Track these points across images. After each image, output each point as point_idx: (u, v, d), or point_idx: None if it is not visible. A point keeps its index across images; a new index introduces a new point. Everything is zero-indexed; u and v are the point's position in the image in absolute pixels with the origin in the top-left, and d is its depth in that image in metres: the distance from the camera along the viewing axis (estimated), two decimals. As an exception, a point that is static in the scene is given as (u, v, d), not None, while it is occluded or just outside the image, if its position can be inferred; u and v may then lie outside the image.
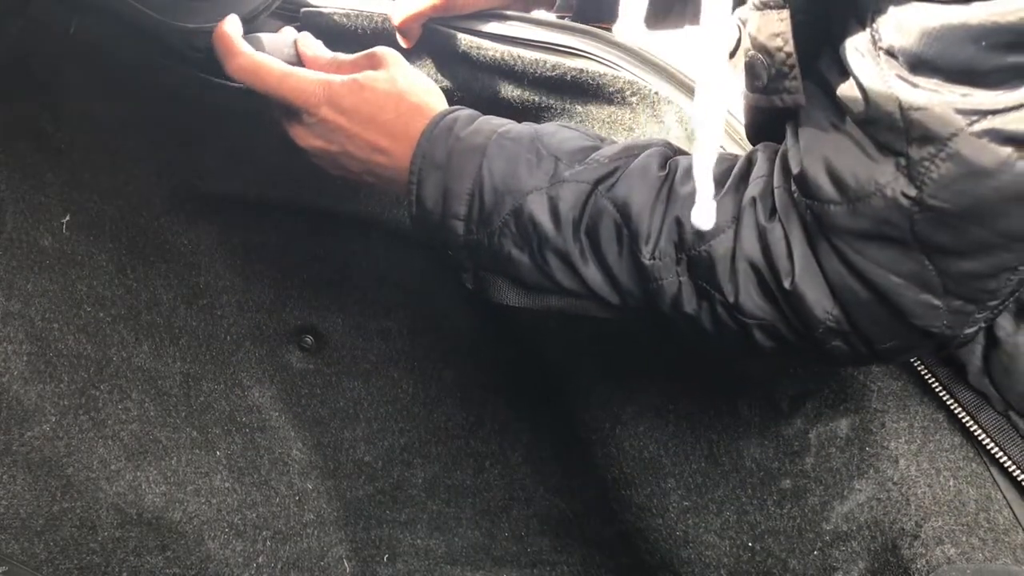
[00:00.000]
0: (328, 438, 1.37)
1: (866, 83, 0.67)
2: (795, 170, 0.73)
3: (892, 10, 0.64)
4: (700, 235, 0.76)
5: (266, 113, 1.18)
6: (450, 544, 1.38)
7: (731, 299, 0.76)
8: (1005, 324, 0.84)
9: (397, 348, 1.36)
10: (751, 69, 0.77)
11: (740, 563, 1.06)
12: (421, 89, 0.90)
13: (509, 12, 1.07)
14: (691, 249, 0.77)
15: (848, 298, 0.73)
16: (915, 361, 0.91)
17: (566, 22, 1.07)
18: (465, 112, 0.88)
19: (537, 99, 1.07)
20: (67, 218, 1.16)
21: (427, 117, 0.87)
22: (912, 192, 0.66)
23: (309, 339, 1.35)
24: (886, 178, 0.68)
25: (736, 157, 0.82)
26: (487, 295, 0.88)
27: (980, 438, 0.90)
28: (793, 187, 0.74)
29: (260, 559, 1.27)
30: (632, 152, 0.82)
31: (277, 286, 1.33)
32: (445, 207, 0.84)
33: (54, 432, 1.11)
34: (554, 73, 1.04)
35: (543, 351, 1.25)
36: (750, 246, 0.75)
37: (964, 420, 0.91)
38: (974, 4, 0.60)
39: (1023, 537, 0.92)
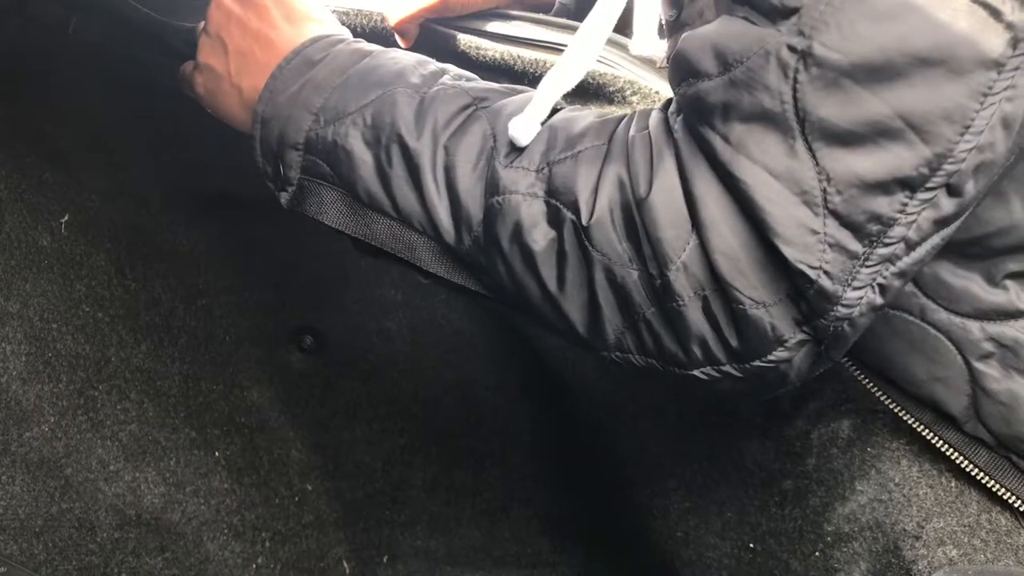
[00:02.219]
0: (327, 439, 1.37)
1: None
2: (673, 55, 0.65)
3: None
4: (570, 145, 0.67)
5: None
6: (450, 545, 1.38)
7: (585, 221, 0.64)
8: (993, 372, 0.76)
9: (397, 348, 1.36)
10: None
11: (741, 564, 1.06)
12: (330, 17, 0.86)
13: (509, 11, 1.07)
14: (555, 162, 0.67)
15: (709, 217, 0.60)
16: (897, 407, 0.86)
17: (565, 21, 1.07)
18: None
19: None
20: (66, 218, 1.16)
21: (324, 31, 0.82)
22: (798, 42, 0.57)
23: (309, 339, 1.35)
24: (771, 34, 0.58)
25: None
26: (304, 209, 0.78)
27: (977, 477, 0.86)
28: (671, 109, 0.66)
29: (259, 560, 1.27)
30: (526, 90, 0.75)
31: (277, 286, 1.33)
32: (300, 97, 0.76)
33: (53, 432, 1.11)
34: (544, 70, 1.04)
35: (544, 351, 1.25)
36: (617, 159, 0.65)
37: (957, 460, 0.86)
38: None
39: (1025, 538, 0.92)
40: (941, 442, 0.83)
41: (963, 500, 0.91)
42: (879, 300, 0.61)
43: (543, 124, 0.70)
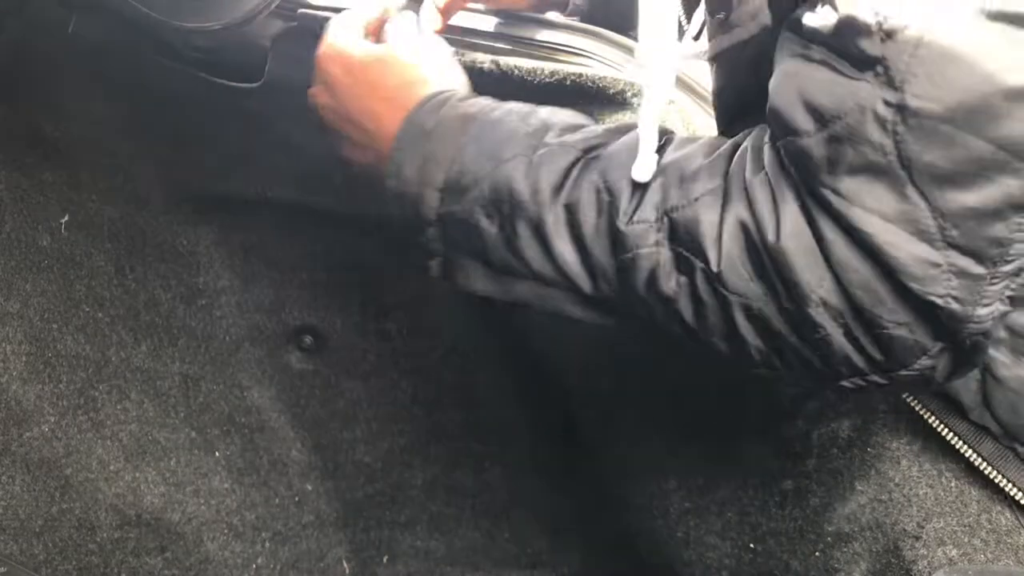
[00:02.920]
0: (327, 439, 1.37)
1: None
2: (768, 109, 0.67)
3: None
4: (684, 195, 0.68)
5: (266, 113, 1.18)
6: (450, 545, 1.38)
7: (715, 267, 0.66)
8: (1003, 358, 0.76)
9: (397, 348, 1.36)
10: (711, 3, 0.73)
11: (741, 564, 1.06)
12: (451, 78, 0.86)
13: (517, 13, 1.07)
14: (674, 209, 0.68)
15: (839, 258, 0.62)
16: (907, 396, 0.86)
17: (570, 22, 1.07)
18: (468, 92, 0.84)
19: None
20: (66, 218, 1.16)
21: (430, 90, 0.83)
22: (891, 97, 0.58)
23: (309, 339, 1.35)
24: (863, 89, 0.59)
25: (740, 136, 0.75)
26: (454, 281, 0.81)
27: (980, 467, 0.85)
28: (771, 138, 0.67)
29: (259, 560, 1.27)
30: (626, 128, 0.77)
31: (277, 286, 1.32)
32: (423, 175, 0.78)
33: (53, 433, 1.11)
34: (553, 79, 1.05)
35: (544, 351, 1.25)
36: (738, 201, 0.66)
37: (962, 449, 0.86)
38: None
39: (1025, 538, 0.92)
40: (947, 431, 0.83)
41: (963, 500, 0.91)
42: (1008, 308, 0.63)
43: (656, 164, 0.72)
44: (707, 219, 0.67)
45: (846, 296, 0.63)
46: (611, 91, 1.04)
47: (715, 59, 0.77)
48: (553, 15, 1.13)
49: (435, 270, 0.83)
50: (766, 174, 0.66)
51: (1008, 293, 0.63)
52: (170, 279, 1.27)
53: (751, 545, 1.05)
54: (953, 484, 0.92)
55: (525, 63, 1.04)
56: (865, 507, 0.95)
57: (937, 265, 0.60)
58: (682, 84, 1.01)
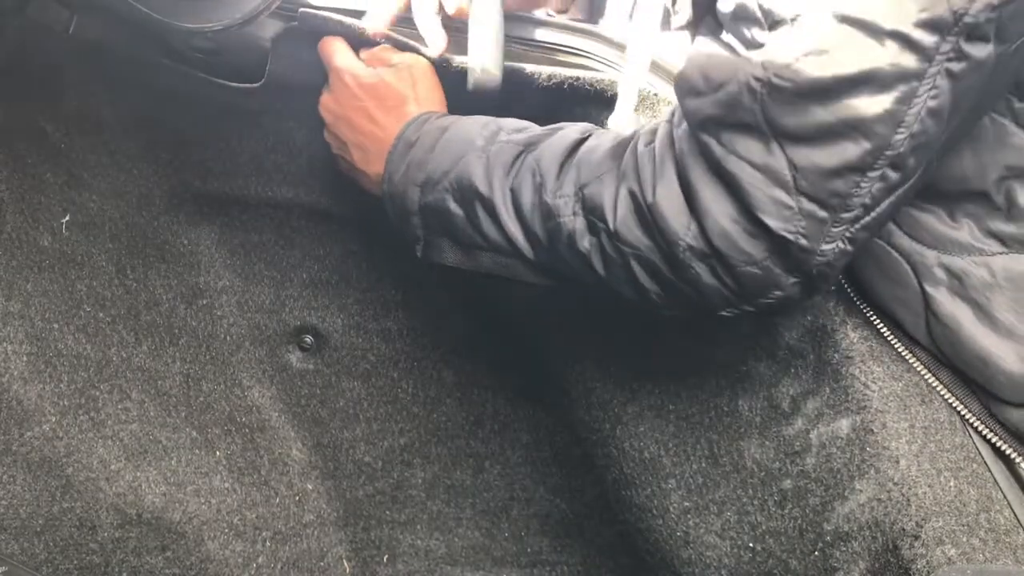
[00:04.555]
0: (328, 438, 1.37)
1: None
2: (678, 73, 0.83)
3: None
4: (593, 174, 0.86)
5: (266, 113, 1.18)
6: (450, 544, 1.39)
7: (612, 226, 0.84)
8: (941, 297, 0.88)
9: (397, 348, 1.36)
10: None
11: (741, 563, 1.06)
12: (435, 96, 1.04)
13: (515, 13, 1.08)
14: (585, 187, 0.87)
15: (704, 207, 0.79)
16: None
17: (567, 22, 1.07)
18: (446, 112, 1.02)
19: (537, 110, 1.08)
20: (67, 218, 1.16)
21: (423, 109, 1.02)
22: (761, 74, 0.74)
23: (309, 339, 1.35)
24: (743, 65, 0.76)
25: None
26: (432, 258, 0.99)
27: (940, 391, 0.94)
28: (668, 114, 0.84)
29: (260, 559, 1.27)
30: (563, 127, 0.94)
31: (277, 286, 1.33)
32: (407, 177, 0.97)
33: (54, 432, 1.11)
34: (551, 83, 1.05)
35: (543, 351, 1.25)
36: (630, 176, 0.84)
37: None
38: None
39: (1023, 538, 0.92)
40: (914, 359, 0.94)
41: (961, 500, 0.91)
42: (850, 248, 0.79)
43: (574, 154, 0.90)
44: (607, 190, 0.85)
45: (706, 240, 0.79)
46: (608, 94, 1.04)
47: (691, 27, 0.92)
48: (541, 13, 1.13)
49: (419, 252, 1.00)
50: (653, 147, 0.84)
51: (847, 235, 0.78)
52: (171, 279, 1.27)
53: (750, 544, 1.05)
54: (952, 484, 0.92)
55: (524, 67, 1.05)
56: (864, 506, 0.95)
57: (790, 207, 0.76)
58: (664, 71, 1.02)
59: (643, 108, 1.03)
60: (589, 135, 0.92)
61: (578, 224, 0.87)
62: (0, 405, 1.07)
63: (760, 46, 0.75)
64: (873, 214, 0.77)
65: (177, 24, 0.98)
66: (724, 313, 0.85)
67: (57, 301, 1.14)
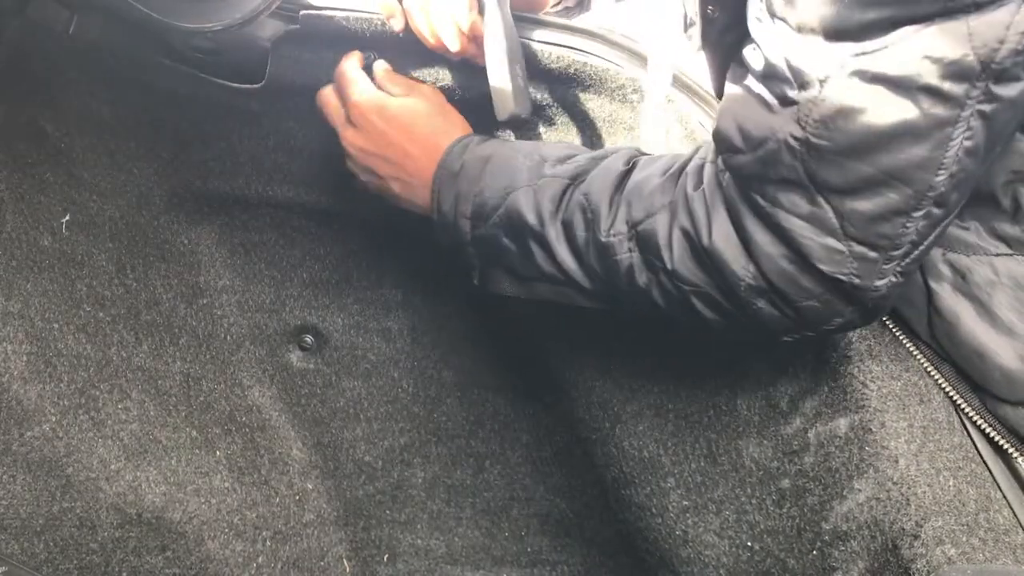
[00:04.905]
0: (328, 438, 1.37)
1: (762, 44, 0.79)
2: (714, 130, 0.84)
3: None
4: (645, 211, 0.88)
5: (266, 113, 1.18)
6: (450, 544, 1.39)
7: (669, 266, 0.86)
8: (943, 293, 0.90)
9: (397, 348, 1.36)
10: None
11: (739, 563, 1.06)
12: (454, 119, 1.06)
13: (517, 13, 1.07)
14: (638, 224, 0.88)
15: (760, 251, 0.81)
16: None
17: (570, 23, 1.07)
18: (483, 136, 1.03)
19: (540, 96, 1.08)
20: (67, 218, 1.16)
21: (453, 137, 1.03)
22: (799, 133, 0.76)
23: (309, 339, 1.35)
24: (779, 124, 0.77)
25: (692, 151, 0.92)
26: (490, 287, 1.01)
27: (940, 383, 0.95)
28: (712, 153, 0.85)
29: (260, 559, 1.27)
30: (606, 154, 0.95)
31: (277, 286, 1.33)
32: (456, 209, 0.98)
33: (54, 432, 1.11)
34: (557, 65, 1.04)
35: (543, 351, 1.25)
36: (682, 215, 0.85)
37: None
38: None
39: (1023, 537, 0.92)
40: (918, 353, 0.95)
41: (961, 499, 0.91)
42: (902, 280, 0.81)
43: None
44: (661, 229, 0.86)
45: (766, 280, 0.81)
46: (612, 84, 1.04)
47: (704, 48, 0.93)
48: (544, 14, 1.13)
49: (476, 279, 1.02)
50: (703, 190, 0.85)
51: (899, 269, 0.79)
52: (171, 278, 1.27)
53: (749, 543, 1.05)
54: (951, 483, 0.92)
55: (532, 43, 1.04)
56: (863, 506, 0.95)
57: (841, 252, 0.78)
58: (680, 84, 1.01)
59: (644, 104, 1.03)
60: (634, 164, 0.93)
61: (635, 260, 0.89)
62: (0, 405, 1.07)
63: (794, 103, 0.76)
64: (921, 248, 0.79)
65: (177, 24, 0.98)
66: (786, 339, 0.87)
67: (57, 301, 1.15)
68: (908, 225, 0.76)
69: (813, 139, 0.75)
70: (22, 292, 1.11)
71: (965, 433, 0.94)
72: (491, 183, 0.96)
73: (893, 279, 0.80)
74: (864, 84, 0.72)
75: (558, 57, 1.04)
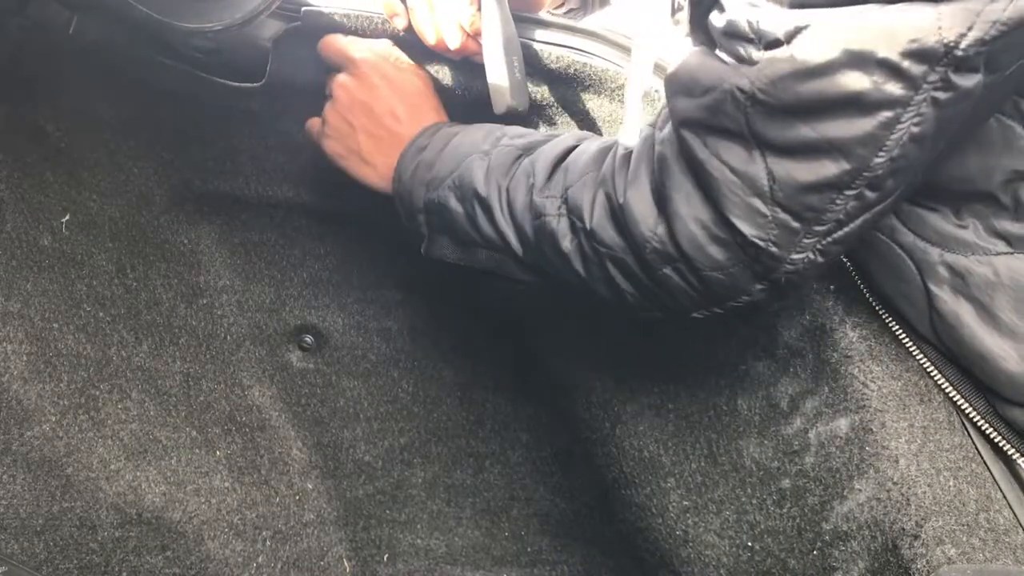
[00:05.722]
0: (328, 438, 1.37)
1: (728, 5, 0.77)
2: (669, 74, 0.84)
3: None
4: (578, 175, 0.89)
5: (267, 113, 1.18)
6: (450, 544, 1.39)
7: (588, 225, 0.87)
8: (944, 296, 0.88)
9: (397, 348, 1.36)
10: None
11: (739, 562, 1.06)
12: (439, 107, 1.08)
13: (517, 13, 1.07)
14: (570, 186, 0.90)
15: (673, 209, 0.80)
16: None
17: (571, 23, 1.07)
18: (455, 122, 1.05)
19: (539, 96, 1.08)
20: (67, 217, 1.16)
21: (439, 119, 1.06)
22: (746, 86, 0.75)
23: (309, 339, 1.35)
24: (729, 74, 0.76)
25: None
26: (433, 254, 1.03)
27: (943, 387, 0.94)
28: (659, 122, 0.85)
29: (260, 559, 1.27)
30: (560, 134, 0.98)
31: (277, 286, 1.33)
32: (415, 176, 1.01)
33: (54, 432, 1.11)
34: (557, 65, 1.05)
35: (543, 351, 1.25)
36: (607, 179, 0.87)
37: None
38: None
39: (1023, 537, 0.92)
40: (921, 355, 0.94)
41: (961, 499, 0.91)
42: (820, 259, 0.79)
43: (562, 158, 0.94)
44: (587, 192, 0.88)
45: (674, 244, 0.81)
46: (611, 85, 1.04)
47: (692, 32, 0.91)
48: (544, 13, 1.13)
49: (423, 248, 1.04)
50: (632, 151, 0.86)
51: (818, 247, 0.78)
52: (171, 278, 1.27)
53: (749, 543, 1.05)
54: (951, 483, 0.92)
55: (532, 43, 1.05)
56: (863, 506, 0.95)
57: (764, 215, 0.77)
58: (663, 72, 1.02)
59: (643, 104, 1.03)
60: (583, 137, 0.96)
61: (561, 224, 0.90)
62: (0, 405, 1.07)
63: (754, 63, 0.75)
64: (846, 229, 0.78)
65: (177, 24, 0.98)
66: (695, 315, 0.87)
67: (57, 301, 1.14)
68: (838, 201, 0.75)
69: (760, 94, 0.74)
70: (22, 292, 1.11)
71: (965, 433, 0.94)
72: (451, 152, 0.99)
73: (811, 256, 0.78)
74: (822, 48, 0.71)
75: (558, 57, 1.05)
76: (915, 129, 0.72)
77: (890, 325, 0.95)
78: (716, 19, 0.80)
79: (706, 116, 0.78)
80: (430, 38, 1.03)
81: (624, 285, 0.88)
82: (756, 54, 0.75)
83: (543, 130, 1.12)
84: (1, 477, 1.07)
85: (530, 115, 1.10)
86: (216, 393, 1.29)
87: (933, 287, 0.89)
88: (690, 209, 0.80)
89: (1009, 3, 0.67)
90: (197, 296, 1.29)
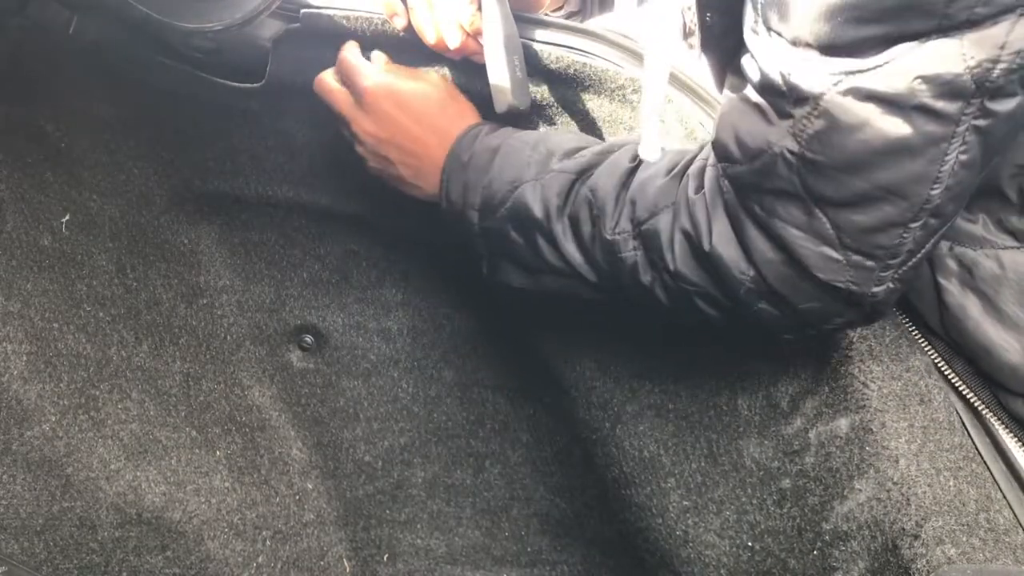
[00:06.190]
0: (328, 438, 1.37)
1: (758, 56, 0.79)
2: (713, 139, 0.85)
3: None
4: (649, 211, 0.88)
5: (267, 113, 1.18)
6: (450, 543, 1.39)
7: (672, 267, 0.87)
8: (952, 288, 0.90)
9: (397, 348, 1.36)
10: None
11: (739, 563, 1.06)
12: (464, 105, 1.06)
13: (518, 13, 1.07)
14: (642, 224, 0.89)
15: (759, 257, 0.82)
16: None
17: (571, 23, 1.07)
18: (493, 125, 1.03)
19: (540, 96, 1.08)
20: (67, 218, 1.16)
21: (466, 124, 1.03)
22: (794, 147, 0.76)
23: (309, 339, 1.35)
24: (775, 137, 0.77)
25: (695, 149, 0.92)
26: (498, 278, 1.02)
27: (952, 380, 0.95)
28: (713, 161, 0.86)
29: (260, 559, 1.27)
30: (612, 149, 0.96)
31: (277, 286, 1.33)
32: (465, 199, 0.99)
33: (54, 432, 1.11)
34: (557, 65, 1.05)
35: (544, 351, 1.25)
36: (684, 217, 0.86)
37: (939, 364, 0.95)
38: None
39: (1023, 537, 0.92)
40: (930, 348, 0.95)
41: (961, 499, 0.92)
42: (900, 286, 0.81)
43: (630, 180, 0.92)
44: (664, 230, 0.87)
45: (766, 284, 0.83)
46: (612, 85, 1.04)
47: (704, 53, 0.94)
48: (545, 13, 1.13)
49: (485, 269, 1.03)
50: (704, 194, 0.85)
51: (896, 276, 0.80)
52: (171, 278, 1.27)
53: (749, 543, 1.05)
54: (951, 483, 0.93)
55: (533, 44, 1.05)
56: (863, 506, 0.95)
57: (838, 261, 0.79)
58: (679, 83, 1.01)
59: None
60: (640, 160, 0.93)
61: (639, 258, 0.90)
62: (0, 405, 1.07)
63: (790, 116, 0.76)
64: (919, 255, 0.80)
65: (177, 24, 0.98)
66: (787, 336, 0.89)
67: (57, 301, 1.14)
68: (905, 235, 0.77)
69: (808, 154, 0.76)
70: (22, 292, 1.11)
71: (965, 433, 0.94)
72: (499, 175, 0.97)
73: (891, 285, 0.80)
74: (858, 102, 0.73)
75: (558, 57, 1.04)
76: (963, 157, 0.74)
77: (900, 320, 0.96)
78: (749, 67, 0.81)
79: (759, 180, 0.80)
80: (430, 38, 1.03)
81: (713, 313, 0.88)
82: (793, 109, 0.76)
83: (543, 131, 1.12)
84: (1, 477, 1.07)
85: (530, 115, 1.10)
86: (216, 393, 1.29)
87: (942, 280, 0.90)
88: (773, 255, 0.81)
89: None
90: (197, 296, 1.29)
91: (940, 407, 0.94)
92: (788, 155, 0.77)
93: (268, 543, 1.28)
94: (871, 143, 0.73)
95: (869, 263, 0.79)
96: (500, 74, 1.01)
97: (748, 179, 0.81)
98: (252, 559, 1.26)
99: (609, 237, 0.91)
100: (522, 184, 0.96)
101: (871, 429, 0.94)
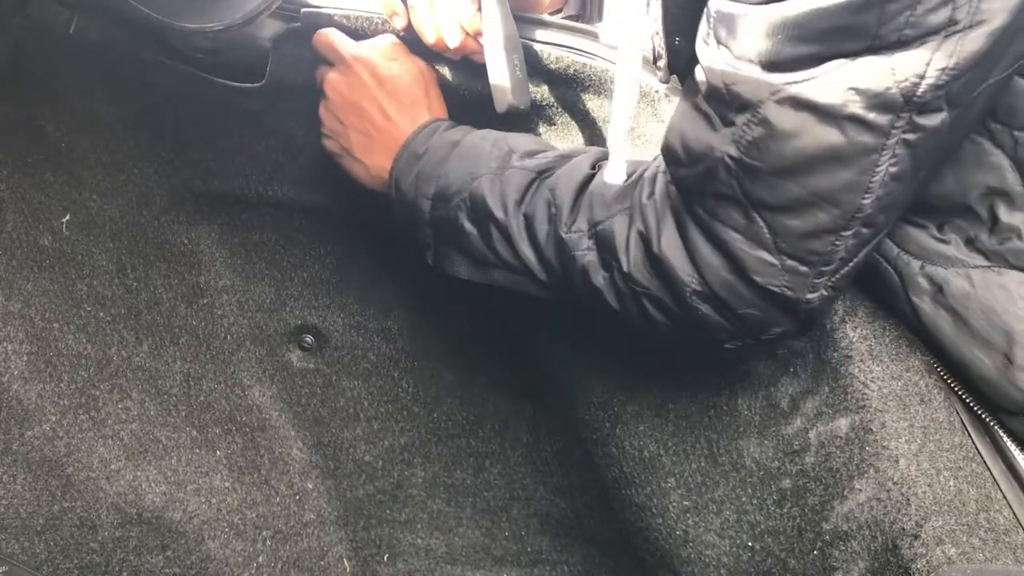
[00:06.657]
0: (328, 437, 1.37)
1: (706, 65, 0.81)
2: (663, 143, 0.88)
3: (716, 10, 0.79)
4: (605, 212, 0.91)
5: (267, 113, 1.18)
6: (450, 543, 1.39)
7: (625, 268, 0.89)
8: (925, 307, 0.91)
9: (397, 348, 1.36)
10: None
11: (740, 562, 1.06)
12: (436, 98, 1.08)
13: (518, 13, 1.08)
14: (598, 224, 0.91)
15: (702, 260, 0.85)
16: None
17: (571, 23, 1.07)
18: (452, 123, 1.05)
19: (539, 96, 1.08)
20: (67, 218, 1.16)
21: (432, 116, 1.05)
22: (735, 153, 0.79)
23: (309, 339, 1.35)
24: (718, 142, 0.81)
25: (652, 160, 0.95)
26: (444, 269, 1.03)
27: (944, 376, 0.95)
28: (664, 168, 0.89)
29: (260, 559, 1.27)
30: (574, 154, 0.98)
31: (277, 286, 1.33)
32: (417, 188, 1.00)
33: (54, 432, 1.11)
34: (557, 65, 1.05)
35: (544, 351, 1.25)
36: (638, 220, 0.89)
37: (936, 365, 0.96)
38: (771, 5, 0.73)
39: (1023, 537, 0.92)
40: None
41: (961, 499, 0.92)
42: (833, 294, 0.85)
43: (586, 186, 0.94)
44: (619, 232, 0.90)
45: (709, 288, 0.85)
46: (611, 85, 1.04)
47: (674, 76, 0.96)
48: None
49: (430, 259, 1.04)
50: (655, 199, 0.89)
51: (829, 284, 0.83)
52: (171, 278, 1.27)
53: (749, 543, 1.05)
54: (951, 483, 0.93)
55: (533, 45, 1.05)
56: (863, 506, 0.95)
57: (774, 265, 0.82)
58: (648, 99, 1.02)
59: (643, 103, 1.03)
60: (599, 167, 0.96)
61: (591, 258, 0.92)
62: (0, 405, 1.07)
63: (732, 123, 0.80)
64: (851, 264, 0.83)
65: (178, 24, 0.98)
66: (728, 346, 0.91)
67: (57, 301, 1.14)
68: (838, 243, 0.80)
69: (747, 159, 0.79)
70: (22, 292, 1.11)
71: (965, 433, 0.94)
72: (456, 167, 0.98)
73: (824, 292, 0.84)
74: (794, 111, 0.76)
75: (558, 58, 1.05)
76: (893, 169, 0.77)
77: (898, 322, 0.96)
78: (699, 74, 0.84)
79: (702, 184, 0.83)
80: (430, 37, 1.03)
81: (659, 319, 0.90)
82: (735, 117, 0.79)
83: (543, 130, 1.12)
84: (1, 477, 1.07)
85: (530, 114, 1.10)
86: (216, 393, 1.29)
87: (915, 298, 0.92)
88: (715, 259, 0.84)
89: (956, 46, 0.71)
90: (197, 296, 1.29)
91: (940, 407, 0.94)
92: (728, 160, 0.80)
93: (268, 543, 1.28)
94: (806, 150, 0.76)
95: (803, 268, 0.82)
96: (500, 74, 1.01)
97: (692, 183, 0.84)
98: (252, 559, 1.26)
99: (564, 235, 0.93)
100: (479, 177, 0.97)
101: (871, 429, 0.94)
